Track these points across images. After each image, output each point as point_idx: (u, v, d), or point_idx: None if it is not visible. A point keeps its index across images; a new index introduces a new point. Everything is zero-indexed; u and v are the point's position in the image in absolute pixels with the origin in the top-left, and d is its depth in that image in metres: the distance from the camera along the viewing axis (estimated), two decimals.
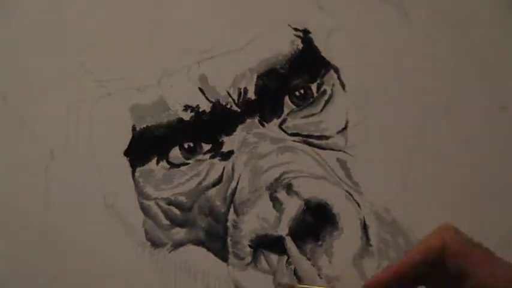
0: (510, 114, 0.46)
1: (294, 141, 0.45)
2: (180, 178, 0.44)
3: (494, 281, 0.34)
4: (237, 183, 0.44)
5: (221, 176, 0.44)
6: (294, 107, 0.46)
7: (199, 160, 0.45)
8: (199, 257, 0.43)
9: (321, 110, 0.47)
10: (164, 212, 0.44)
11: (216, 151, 0.45)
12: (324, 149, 0.45)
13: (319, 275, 0.42)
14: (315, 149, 0.45)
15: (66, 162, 0.45)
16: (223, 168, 0.45)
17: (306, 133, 0.46)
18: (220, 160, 0.45)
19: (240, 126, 0.45)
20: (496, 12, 0.50)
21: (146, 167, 0.45)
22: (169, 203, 0.44)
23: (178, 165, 0.45)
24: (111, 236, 0.43)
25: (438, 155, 0.45)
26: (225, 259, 0.43)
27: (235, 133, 0.45)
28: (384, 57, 0.48)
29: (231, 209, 0.44)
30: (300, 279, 0.42)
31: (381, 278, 0.38)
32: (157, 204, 0.44)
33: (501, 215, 0.45)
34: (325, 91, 0.47)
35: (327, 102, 0.47)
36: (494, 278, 0.35)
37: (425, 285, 0.38)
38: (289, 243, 0.42)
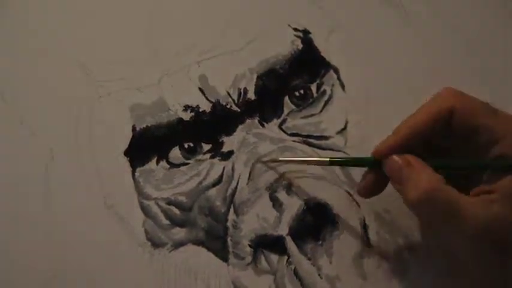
0: None
1: (294, 141, 0.45)
2: (180, 178, 0.44)
3: None
4: (237, 183, 0.44)
5: (221, 176, 0.44)
6: (293, 107, 0.46)
7: (199, 160, 0.45)
8: (200, 257, 0.43)
9: (321, 111, 0.47)
10: (164, 212, 0.44)
11: (216, 151, 0.45)
12: (323, 149, 0.45)
13: (319, 275, 0.42)
14: (315, 149, 0.45)
15: (66, 162, 0.45)
16: (223, 168, 0.45)
17: (305, 133, 0.46)
18: (220, 160, 0.45)
19: (240, 127, 0.45)
20: (496, 13, 0.50)
21: (146, 167, 0.45)
22: (170, 203, 0.44)
23: (178, 165, 0.45)
24: (111, 236, 0.43)
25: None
26: (225, 259, 0.43)
27: (235, 133, 0.45)
28: (384, 58, 0.48)
29: (231, 209, 0.44)
30: (300, 279, 0.42)
31: (391, 142, 0.39)
32: (157, 204, 0.44)
33: None
34: (324, 91, 0.47)
35: (326, 102, 0.47)
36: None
37: (429, 153, 0.38)
38: (290, 243, 0.42)
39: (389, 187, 0.43)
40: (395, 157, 0.38)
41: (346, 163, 0.43)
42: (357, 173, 0.45)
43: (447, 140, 0.39)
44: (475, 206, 0.34)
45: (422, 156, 0.38)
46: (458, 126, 0.37)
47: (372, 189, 0.41)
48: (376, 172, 0.40)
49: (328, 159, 0.42)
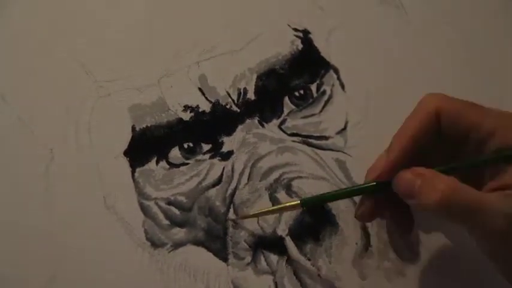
0: None
1: (294, 141, 0.45)
2: (180, 178, 0.44)
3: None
4: (237, 184, 0.44)
5: (221, 176, 0.44)
6: (293, 107, 0.46)
7: (199, 160, 0.45)
8: (199, 257, 0.43)
9: (321, 111, 0.47)
10: (164, 212, 0.44)
11: (216, 151, 0.45)
12: (323, 149, 0.45)
13: (318, 275, 0.42)
14: (315, 150, 0.45)
15: (65, 162, 0.45)
16: (223, 168, 0.45)
17: (305, 133, 0.46)
18: (220, 160, 0.45)
19: (240, 127, 0.45)
20: (496, 12, 0.50)
21: (146, 167, 0.45)
22: (169, 203, 0.44)
23: (178, 165, 0.45)
24: (111, 236, 0.43)
25: None
26: (224, 259, 0.43)
27: (235, 133, 0.45)
28: (384, 58, 0.48)
29: (231, 209, 0.44)
30: (300, 279, 0.42)
31: (390, 160, 0.38)
32: (157, 204, 0.44)
33: None
34: (324, 91, 0.47)
35: (326, 102, 0.47)
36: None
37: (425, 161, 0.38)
38: (289, 243, 0.42)
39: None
40: (402, 173, 0.37)
41: (349, 194, 0.42)
42: (358, 173, 0.45)
43: (439, 149, 0.39)
44: (498, 202, 0.34)
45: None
46: (447, 128, 0.37)
47: (374, 213, 0.41)
48: (376, 196, 0.40)
49: (299, 202, 0.40)
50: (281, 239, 0.42)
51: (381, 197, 0.40)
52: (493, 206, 0.34)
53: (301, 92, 0.47)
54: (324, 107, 0.47)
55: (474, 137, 0.37)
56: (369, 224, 0.43)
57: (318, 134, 0.46)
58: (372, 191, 0.40)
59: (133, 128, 0.46)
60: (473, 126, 0.36)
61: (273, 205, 0.43)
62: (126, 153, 0.45)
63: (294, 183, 0.43)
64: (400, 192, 0.37)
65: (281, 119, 0.46)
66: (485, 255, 0.36)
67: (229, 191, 0.44)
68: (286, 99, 0.46)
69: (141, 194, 0.44)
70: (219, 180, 0.44)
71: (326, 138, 0.46)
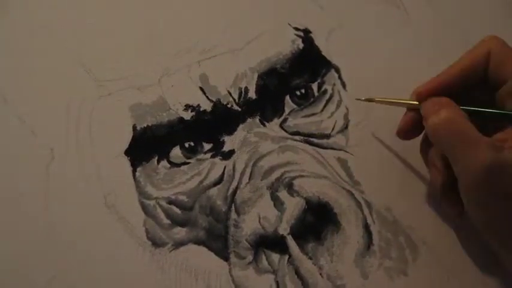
0: None
1: (295, 140, 0.45)
2: (181, 177, 0.44)
3: None
4: (238, 183, 0.44)
5: (222, 176, 0.44)
6: (294, 106, 0.46)
7: (200, 159, 0.45)
8: (200, 256, 0.43)
9: (322, 110, 0.47)
10: (165, 211, 0.44)
11: (217, 150, 0.45)
12: (324, 148, 0.45)
13: (320, 274, 0.42)
14: (316, 148, 0.45)
15: (66, 162, 0.45)
16: (224, 167, 0.45)
17: (306, 132, 0.46)
18: (221, 159, 0.45)
19: (241, 126, 0.45)
20: (496, 12, 0.50)
21: (147, 166, 0.45)
22: (170, 202, 0.44)
23: (179, 165, 0.45)
24: (112, 236, 0.43)
25: None
26: (226, 258, 0.43)
27: (236, 132, 0.45)
28: (385, 57, 0.48)
29: (232, 209, 0.43)
30: (301, 278, 0.42)
31: (433, 84, 0.40)
32: (158, 203, 0.44)
33: None
34: (325, 90, 0.47)
35: (327, 101, 0.47)
36: None
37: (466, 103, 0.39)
38: (291, 242, 0.42)
39: (391, 188, 0.43)
40: (434, 99, 0.39)
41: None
42: (358, 172, 0.45)
43: (482, 89, 0.40)
44: (487, 146, 0.35)
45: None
46: (492, 72, 0.39)
47: (408, 130, 0.42)
48: (413, 113, 0.41)
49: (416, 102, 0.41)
50: (282, 238, 0.42)
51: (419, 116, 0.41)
52: (479, 147, 0.35)
53: (302, 91, 0.47)
54: (325, 106, 0.47)
55: (509, 86, 0.38)
56: (370, 223, 0.43)
57: (320, 133, 0.46)
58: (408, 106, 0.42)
59: (134, 128, 0.45)
60: (509, 77, 0.38)
61: (274, 204, 0.43)
62: (127, 152, 0.45)
63: (296, 182, 0.43)
64: (423, 114, 0.40)
65: (282, 118, 0.46)
66: (462, 195, 0.38)
67: (231, 190, 0.44)
68: (288, 98, 0.46)
69: (142, 193, 0.44)
70: (220, 180, 0.44)
71: (327, 137, 0.46)
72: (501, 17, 0.50)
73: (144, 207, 0.44)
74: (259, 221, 0.43)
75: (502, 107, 0.39)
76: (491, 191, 0.35)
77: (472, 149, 0.35)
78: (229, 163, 0.45)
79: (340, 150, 0.45)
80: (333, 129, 0.46)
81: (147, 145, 0.45)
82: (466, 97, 0.40)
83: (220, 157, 0.45)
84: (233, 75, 0.46)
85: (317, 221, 0.43)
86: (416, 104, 0.41)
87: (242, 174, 0.44)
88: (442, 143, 0.37)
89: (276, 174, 0.44)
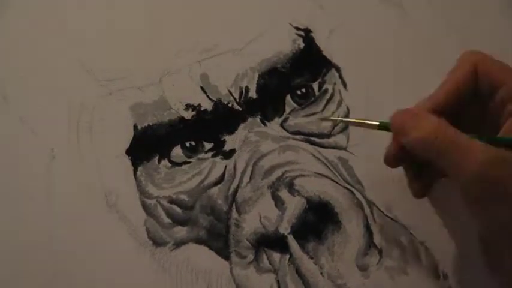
0: None
1: (296, 139, 0.45)
2: (182, 177, 0.44)
3: None
4: (239, 182, 0.44)
5: (223, 175, 0.44)
6: (295, 105, 0.46)
7: (201, 159, 0.45)
8: (201, 255, 0.43)
9: (323, 109, 0.47)
10: (166, 210, 0.44)
11: (218, 150, 0.45)
12: (325, 147, 0.45)
13: (321, 273, 0.42)
14: (317, 148, 0.45)
15: (67, 161, 0.45)
16: (225, 166, 0.45)
17: (307, 132, 0.46)
18: (222, 159, 0.45)
19: (242, 125, 0.45)
20: (496, 12, 0.50)
21: (148, 165, 0.45)
22: (171, 201, 0.44)
23: (180, 164, 0.45)
24: (113, 235, 0.43)
25: None
26: (227, 258, 0.43)
27: (236, 132, 0.45)
28: (385, 57, 0.48)
29: (233, 208, 0.43)
30: (302, 278, 0.42)
31: (427, 108, 0.39)
32: (159, 202, 0.44)
33: None
34: (326, 90, 0.47)
35: (328, 101, 0.47)
36: None
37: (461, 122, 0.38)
38: (292, 241, 0.42)
39: (392, 188, 0.43)
40: (396, 111, 0.39)
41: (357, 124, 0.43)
42: (359, 171, 0.45)
43: (473, 104, 0.39)
44: (476, 146, 0.34)
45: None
46: (483, 83, 0.38)
47: (394, 157, 0.41)
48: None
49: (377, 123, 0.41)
50: (283, 237, 0.42)
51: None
52: (469, 149, 0.34)
53: (303, 90, 0.47)
54: (325, 105, 0.47)
55: (500, 94, 0.38)
56: (371, 222, 0.43)
57: (320, 132, 0.46)
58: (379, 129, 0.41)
59: (135, 127, 0.46)
60: (503, 84, 0.37)
61: (275, 204, 0.43)
62: (128, 152, 0.45)
63: (297, 181, 0.43)
64: (393, 130, 0.39)
65: (283, 117, 0.46)
66: (462, 197, 0.37)
67: (232, 190, 0.44)
68: (288, 97, 0.47)
69: (143, 192, 0.44)
70: (221, 179, 0.44)
71: (328, 136, 0.46)
72: (501, 17, 0.50)
73: (145, 207, 0.44)
74: (260, 221, 0.43)
75: (496, 118, 0.38)
76: (490, 190, 0.35)
77: (465, 154, 0.34)
78: (230, 162, 0.45)
79: (341, 149, 0.46)
80: (333, 128, 0.46)
81: (148, 144, 0.45)
82: (455, 115, 0.39)
83: (221, 156, 0.45)
84: (234, 74, 0.46)
85: (318, 221, 0.43)
86: (385, 123, 0.40)
87: (243, 173, 0.44)
88: (430, 155, 0.36)
89: (276, 174, 0.44)
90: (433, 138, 0.35)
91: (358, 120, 0.42)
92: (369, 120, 0.42)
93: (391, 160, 0.41)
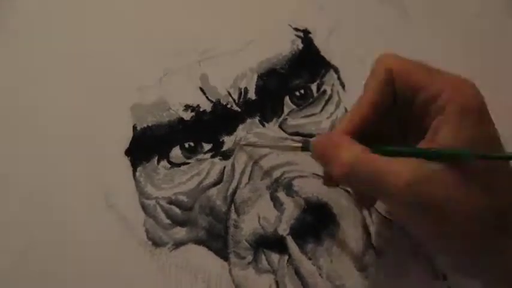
0: None
1: (294, 140, 0.45)
2: (181, 177, 0.45)
3: (442, 86, 0.34)
4: (238, 183, 0.44)
5: (222, 176, 0.45)
6: (294, 106, 0.47)
7: (200, 159, 0.45)
8: (200, 256, 0.43)
9: (321, 110, 0.47)
10: (165, 211, 0.44)
11: (217, 150, 0.45)
12: None
13: (320, 275, 0.42)
14: None
15: (66, 161, 0.45)
16: (224, 167, 0.45)
17: (306, 133, 0.46)
18: (220, 159, 0.45)
19: (241, 126, 0.46)
20: (496, 12, 0.50)
21: (147, 166, 0.45)
22: (170, 202, 0.44)
23: (179, 165, 0.45)
24: (112, 236, 0.43)
25: None
26: (226, 258, 0.43)
27: (235, 133, 0.45)
28: None
29: (232, 209, 0.44)
30: (301, 279, 0.42)
31: (348, 131, 0.36)
32: (158, 203, 0.44)
33: None
34: (325, 91, 0.47)
35: (327, 102, 0.47)
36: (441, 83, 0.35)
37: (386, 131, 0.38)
38: (290, 242, 0.42)
39: None
40: (317, 137, 0.38)
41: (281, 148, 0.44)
42: None
43: (395, 110, 0.37)
44: (398, 165, 0.33)
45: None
46: (401, 89, 0.36)
47: (329, 180, 0.40)
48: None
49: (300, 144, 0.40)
50: (282, 238, 0.42)
51: None
52: (391, 170, 0.33)
53: (302, 91, 0.47)
54: (324, 106, 0.47)
55: (422, 97, 0.36)
56: (369, 223, 0.43)
57: (319, 133, 0.46)
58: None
59: (134, 128, 0.46)
60: (423, 86, 0.35)
61: (274, 205, 0.43)
62: (127, 152, 0.45)
63: (295, 182, 0.43)
64: (314, 158, 0.37)
65: (282, 118, 0.46)
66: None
67: (230, 190, 0.44)
68: (287, 98, 0.47)
69: (142, 193, 0.44)
70: (220, 180, 0.44)
71: None
72: (502, 17, 0.50)
73: (144, 207, 0.44)
74: (259, 221, 0.43)
75: (420, 119, 0.36)
76: (418, 205, 0.33)
77: (389, 180, 0.32)
78: (228, 163, 0.45)
79: None
80: (332, 129, 0.46)
81: (147, 145, 0.45)
82: (379, 125, 0.37)
83: (220, 157, 0.45)
84: (233, 75, 0.47)
85: (316, 222, 0.43)
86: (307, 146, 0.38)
87: (242, 174, 0.44)
88: (353, 186, 0.36)
89: (275, 175, 0.44)
90: (353, 171, 0.34)
91: (279, 144, 0.43)
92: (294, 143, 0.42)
93: (327, 182, 0.41)
